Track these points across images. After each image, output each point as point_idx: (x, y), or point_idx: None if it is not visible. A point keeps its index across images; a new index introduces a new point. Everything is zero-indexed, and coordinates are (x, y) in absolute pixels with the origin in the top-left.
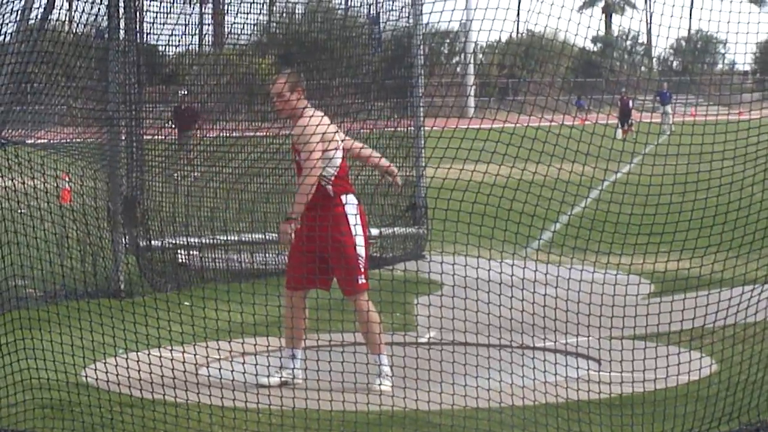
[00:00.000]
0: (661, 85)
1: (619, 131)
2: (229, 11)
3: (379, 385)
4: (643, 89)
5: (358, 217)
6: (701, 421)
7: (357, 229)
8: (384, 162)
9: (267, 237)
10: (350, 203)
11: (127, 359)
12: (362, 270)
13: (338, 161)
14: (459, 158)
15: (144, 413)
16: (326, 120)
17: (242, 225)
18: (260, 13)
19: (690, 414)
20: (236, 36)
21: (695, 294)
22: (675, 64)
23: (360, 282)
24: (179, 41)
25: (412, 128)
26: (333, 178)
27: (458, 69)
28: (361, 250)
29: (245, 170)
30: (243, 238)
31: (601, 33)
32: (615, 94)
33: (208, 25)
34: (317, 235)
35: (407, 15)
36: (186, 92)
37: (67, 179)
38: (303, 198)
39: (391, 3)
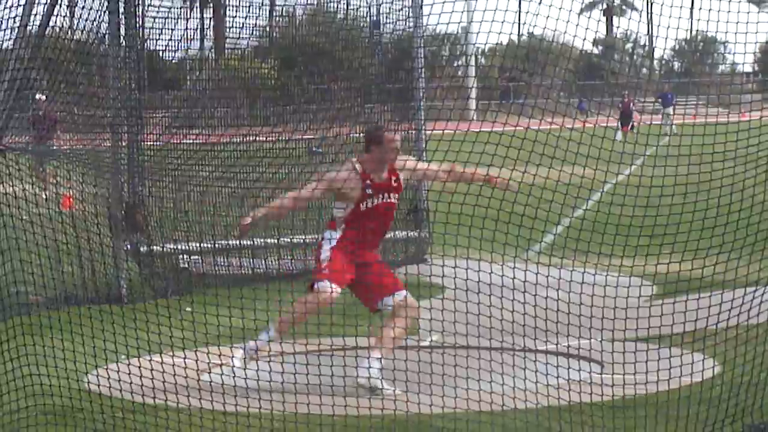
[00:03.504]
0: (663, 87)
1: (619, 132)
2: (227, 15)
3: (381, 389)
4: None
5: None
6: (704, 423)
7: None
8: (479, 174)
9: (268, 242)
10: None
11: (129, 365)
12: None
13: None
14: (460, 161)
15: (146, 419)
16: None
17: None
18: (258, 16)
19: (693, 416)
20: (235, 40)
21: (697, 296)
22: (676, 66)
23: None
24: (179, 46)
25: (414, 131)
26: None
27: (459, 72)
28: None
29: (247, 175)
30: (244, 243)
31: (602, 35)
32: (616, 97)
33: (209, 28)
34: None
35: (408, 18)
36: (44, 98)
37: (68, 186)
38: (272, 203)
39: (391, 5)
